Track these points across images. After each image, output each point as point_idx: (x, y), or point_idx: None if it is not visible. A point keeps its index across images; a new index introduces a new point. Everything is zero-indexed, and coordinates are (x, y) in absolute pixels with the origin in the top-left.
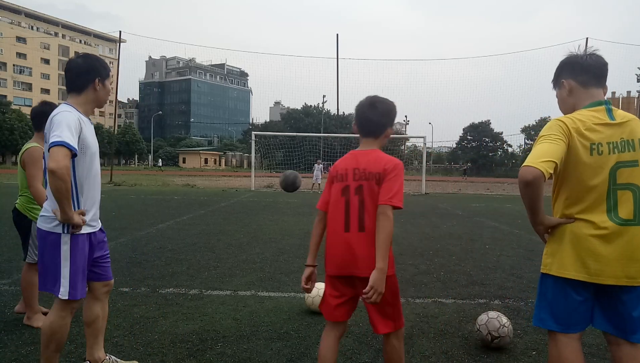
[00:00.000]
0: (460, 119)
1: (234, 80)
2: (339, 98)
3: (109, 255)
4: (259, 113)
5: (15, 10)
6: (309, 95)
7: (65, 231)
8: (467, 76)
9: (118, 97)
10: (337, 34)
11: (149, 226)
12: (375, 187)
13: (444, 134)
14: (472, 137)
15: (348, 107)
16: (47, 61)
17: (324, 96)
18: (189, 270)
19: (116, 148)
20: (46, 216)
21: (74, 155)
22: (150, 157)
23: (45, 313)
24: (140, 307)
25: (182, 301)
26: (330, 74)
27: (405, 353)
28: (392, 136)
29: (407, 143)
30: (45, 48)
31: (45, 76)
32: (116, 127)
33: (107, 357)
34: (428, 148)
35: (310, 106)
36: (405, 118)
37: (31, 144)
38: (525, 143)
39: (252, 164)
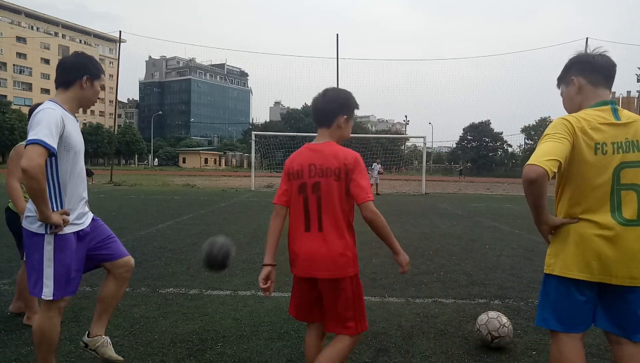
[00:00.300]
0: (460, 119)
1: (234, 80)
2: None
3: (113, 236)
4: (259, 113)
5: (15, 10)
6: (309, 95)
7: (48, 232)
8: (467, 76)
9: (118, 97)
10: (337, 34)
11: (149, 226)
12: (334, 183)
13: (444, 134)
14: (472, 137)
15: None
16: (47, 61)
17: None
18: (189, 270)
19: (116, 148)
20: (30, 217)
21: (51, 154)
22: (150, 157)
23: None
24: (140, 307)
25: (182, 301)
26: (330, 74)
27: (405, 353)
28: (355, 134)
29: (407, 143)
30: (45, 48)
31: (46, 76)
32: (116, 127)
33: (102, 337)
34: (428, 148)
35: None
36: (405, 118)
37: (22, 142)
38: (525, 142)
39: (252, 164)
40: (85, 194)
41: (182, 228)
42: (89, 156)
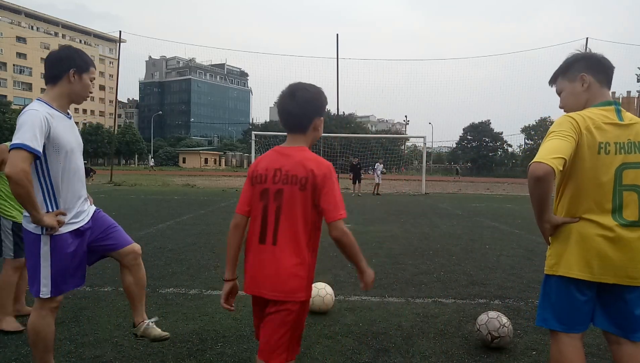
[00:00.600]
0: (460, 119)
1: (234, 80)
2: (339, 98)
3: (115, 226)
4: (259, 113)
5: (15, 10)
6: None
7: (44, 232)
8: (467, 75)
9: (118, 97)
10: (337, 34)
11: (149, 226)
12: (298, 193)
13: (444, 134)
14: (472, 137)
15: (348, 108)
16: None
17: None
18: (189, 270)
19: (116, 148)
20: (28, 216)
21: (36, 157)
22: (150, 157)
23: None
24: None
25: (182, 301)
26: (330, 74)
27: (405, 353)
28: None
29: (407, 143)
30: (45, 48)
31: None
32: (116, 127)
33: (144, 322)
34: (428, 148)
35: None
36: (405, 118)
37: (7, 142)
38: (525, 142)
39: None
40: (83, 193)
41: (182, 228)
42: (89, 156)
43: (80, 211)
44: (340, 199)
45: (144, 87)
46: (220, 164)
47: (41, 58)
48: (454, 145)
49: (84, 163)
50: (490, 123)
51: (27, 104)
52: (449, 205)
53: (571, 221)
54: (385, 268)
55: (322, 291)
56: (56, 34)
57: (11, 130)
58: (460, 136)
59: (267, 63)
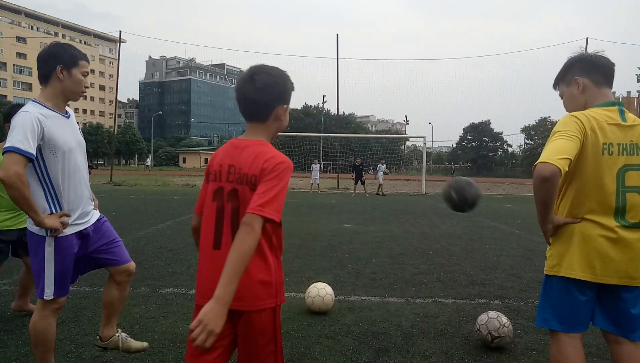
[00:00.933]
0: (460, 119)
1: (234, 80)
2: (339, 98)
3: (117, 240)
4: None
5: (15, 10)
6: (309, 95)
7: (48, 234)
8: (467, 75)
9: (118, 97)
10: (337, 34)
11: (149, 226)
12: (249, 194)
13: (444, 134)
14: (472, 137)
15: (348, 108)
16: None
17: (324, 96)
18: (189, 270)
19: (116, 148)
20: None
21: (29, 160)
22: (151, 157)
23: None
24: (140, 307)
25: (182, 301)
26: (330, 74)
27: (405, 353)
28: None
29: (407, 143)
30: None
31: None
32: (116, 127)
33: (117, 334)
34: (428, 148)
35: (310, 106)
36: (405, 118)
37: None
38: (525, 143)
39: None
40: (87, 192)
41: (182, 228)
42: (89, 156)
43: (85, 211)
44: (274, 196)
45: (144, 87)
46: None
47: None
48: (454, 145)
49: None
50: (490, 123)
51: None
52: None
53: (573, 221)
54: (385, 268)
55: (322, 291)
56: (56, 34)
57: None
58: (460, 136)
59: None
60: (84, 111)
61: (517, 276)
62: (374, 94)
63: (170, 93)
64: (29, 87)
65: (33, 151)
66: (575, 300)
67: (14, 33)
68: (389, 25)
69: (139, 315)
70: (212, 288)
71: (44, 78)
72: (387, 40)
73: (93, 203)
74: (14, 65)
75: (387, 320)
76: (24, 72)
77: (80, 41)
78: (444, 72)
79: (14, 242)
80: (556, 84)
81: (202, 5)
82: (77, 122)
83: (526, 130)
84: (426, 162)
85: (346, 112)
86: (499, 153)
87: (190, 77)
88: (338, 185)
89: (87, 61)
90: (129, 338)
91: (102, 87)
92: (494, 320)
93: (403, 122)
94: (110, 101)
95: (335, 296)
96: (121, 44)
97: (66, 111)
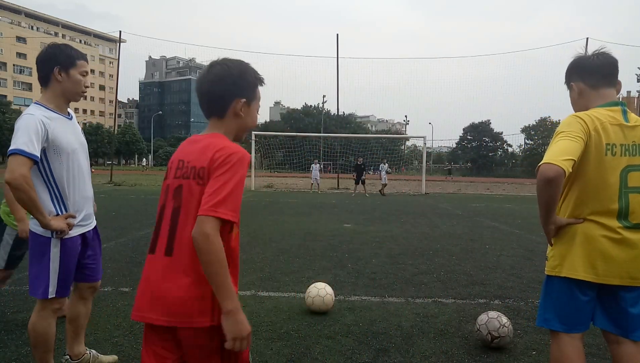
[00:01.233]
0: (460, 119)
1: None
2: (339, 98)
3: (99, 255)
4: (259, 113)
5: (15, 10)
6: (309, 95)
7: (54, 236)
8: (467, 75)
9: (118, 97)
10: (337, 34)
11: (149, 226)
12: (195, 189)
13: (444, 134)
14: (472, 137)
15: (348, 108)
16: None
17: (324, 96)
18: None
19: (116, 148)
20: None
21: (34, 162)
22: (151, 157)
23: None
24: None
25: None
26: (330, 74)
27: (405, 353)
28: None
29: (407, 143)
30: None
31: None
32: (116, 127)
33: (87, 352)
34: (428, 148)
35: (310, 106)
36: (405, 118)
37: None
38: (525, 143)
39: (252, 164)
40: (90, 193)
41: None
42: (89, 156)
43: (89, 213)
44: (229, 193)
45: (144, 87)
46: None
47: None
48: (454, 145)
49: None
50: (490, 123)
51: (28, 105)
52: (449, 205)
53: (575, 222)
54: (385, 268)
55: (322, 291)
56: (56, 34)
57: (11, 130)
58: (460, 136)
59: (267, 63)
60: (84, 111)
61: (517, 276)
62: (374, 94)
63: (170, 93)
64: (29, 87)
65: (38, 153)
66: (577, 300)
67: (14, 33)
68: (389, 25)
69: None
70: (139, 296)
71: (44, 80)
72: (387, 40)
73: (94, 206)
74: (14, 65)
75: (387, 320)
76: (24, 72)
77: (80, 41)
78: (444, 71)
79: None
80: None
81: (202, 5)
82: (78, 123)
83: (526, 130)
84: (426, 162)
85: (346, 112)
86: (499, 153)
87: (190, 77)
88: (338, 185)
89: (86, 60)
90: (100, 355)
91: (102, 87)
92: (494, 320)
93: (403, 122)
94: (110, 101)
95: (335, 296)
96: (121, 44)
97: (68, 113)
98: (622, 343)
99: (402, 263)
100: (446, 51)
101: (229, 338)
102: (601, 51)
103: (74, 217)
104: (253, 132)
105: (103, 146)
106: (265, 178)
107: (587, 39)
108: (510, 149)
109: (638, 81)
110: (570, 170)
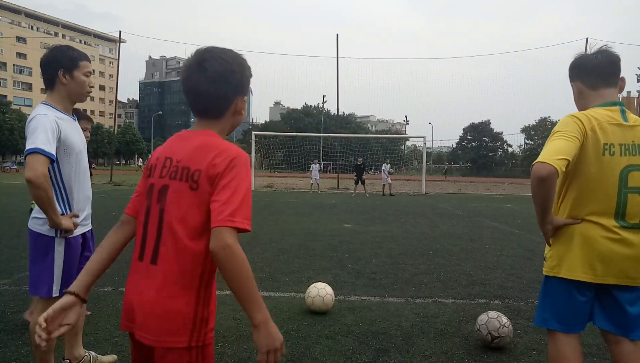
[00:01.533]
0: (460, 119)
1: None
2: (339, 98)
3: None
4: (259, 113)
5: (15, 10)
6: (309, 95)
7: (59, 235)
8: (467, 75)
9: (118, 97)
10: (337, 34)
11: None
12: (187, 193)
13: (444, 134)
14: (472, 137)
15: (348, 108)
16: None
17: (324, 96)
18: None
19: (116, 148)
20: (39, 218)
21: (52, 161)
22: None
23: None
24: None
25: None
26: (330, 74)
27: (405, 353)
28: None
29: (407, 143)
30: (45, 48)
31: None
32: (116, 127)
33: (87, 354)
34: (428, 148)
35: (310, 106)
36: (405, 118)
37: None
38: (525, 143)
39: (252, 164)
40: (90, 193)
41: None
42: (89, 156)
43: (89, 213)
44: (242, 201)
45: (144, 87)
46: None
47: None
48: (454, 145)
49: None
50: (490, 123)
51: (28, 105)
52: (449, 205)
53: (573, 222)
54: (385, 268)
55: (322, 291)
56: (56, 34)
57: (11, 130)
58: (460, 136)
59: (267, 63)
60: (84, 110)
61: (517, 276)
62: (374, 94)
63: (170, 93)
64: (29, 87)
65: (54, 153)
66: (575, 300)
67: (14, 33)
68: (389, 25)
69: None
70: (129, 306)
71: (49, 83)
72: (387, 40)
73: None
74: (14, 65)
75: (387, 320)
76: (24, 72)
77: (80, 41)
78: (444, 71)
79: None
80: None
81: (202, 5)
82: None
83: (526, 130)
84: (426, 162)
85: (346, 112)
86: (499, 153)
87: None
88: (338, 185)
89: (88, 60)
90: (99, 356)
91: (102, 87)
92: (494, 320)
93: (403, 122)
94: (110, 101)
95: (335, 296)
96: (121, 44)
97: (72, 114)
98: (621, 342)
99: (402, 263)
100: (446, 51)
101: (262, 351)
102: (603, 48)
103: (77, 216)
104: (253, 132)
105: (103, 146)
106: (265, 178)
107: (587, 39)
108: (510, 149)
109: (638, 81)
110: (564, 169)
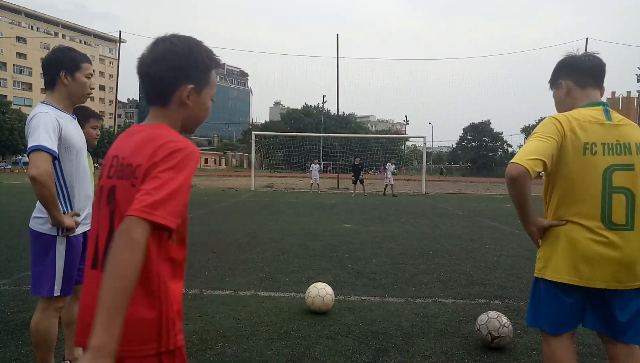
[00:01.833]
0: (460, 119)
1: (234, 80)
2: (339, 98)
3: None
4: (259, 113)
5: (15, 10)
6: (309, 95)
7: (60, 234)
8: (467, 75)
9: (118, 97)
10: (337, 34)
11: None
12: (130, 191)
13: (444, 134)
14: (472, 137)
15: (348, 108)
16: None
17: (324, 96)
18: (189, 270)
19: None
20: (40, 218)
21: (54, 158)
22: None
23: None
24: None
25: (182, 301)
26: (330, 74)
27: (405, 353)
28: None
29: (407, 143)
30: (45, 48)
31: None
32: (116, 127)
33: None
34: (428, 148)
35: (310, 106)
36: (405, 118)
37: None
38: (525, 143)
39: (252, 164)
40: (90, 192)
41: None
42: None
43: (89, 212)
44: (170, 194)
45: None
46: (220, 164)
47: (41, 58)
48: (454, 145)
49: None
50: (490, 123)
51: (28, 105)
52: (449, 205)
53: (558, 224)
54: (385, 268)
55: (322, 291)
56: (56, 34)
57: (11, 130)
58: (460, 136)
59: (267, 63)
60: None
61: (517, 276)
62: (374, 94)
63: None
64: (29, 87)
65: (56, 150)
66: (562, 302)
67: (14, 33)
68: (389, 25)
69: None
70: (83, 317)
71: (50, 83)
72: (387, 40)
73: None
74: (14, 65)
75: (387, 320)
76: (24, 72)
77: (80, 41)
78: (444, 72)
79: None
80: (550, 87)
81: (202, 5)
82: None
83: (526, 130)
84: (426, 162)
85: (346, 112)
86: (499, 153)
87: None
88: (338, 185)
89: (90, 62)
90: None
91: (102, 87)
92: (494, 320)
93: (403, 122)
94: (110, 101)
95: (335, 296)
96: (121, 44)
97: (73, 113)
98: (615, 344)
99: (402, 263)
100: (446, 50)
101: None
102: (591, 52)
103: (78, 215)
104: (253, 132)
105: (103, 146)
106: (265, 178)
107: (587, 39)
108: (510, 149)
109: (638, 81)
110: (538, 170)
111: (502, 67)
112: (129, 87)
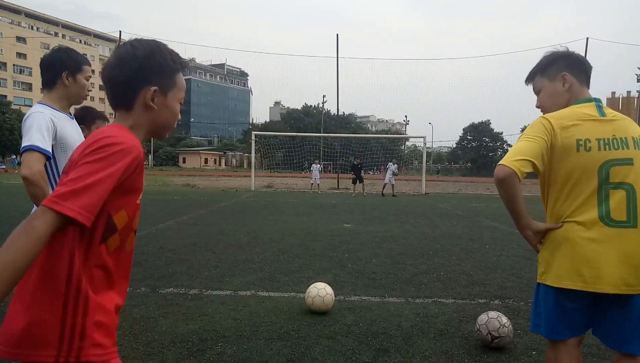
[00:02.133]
0: (460, 119)
1: (234, 80)
2: (339, 98)
3: None
4: (259, 113)
5: (15, 10)
6: (309, 95)
7: None
8: (467, 75)
9: None
10: (337, 34)
11: (149, 226)
12: None
13: (444, 134)
14: (472, 137)
15: (348, 108)
16: None
17: (324, 96)
18: (189, 270)
19: None
20: None
21: (48, 158)
22: (151, 157)
23: None
24: (140, 307)
25: (182, 301)
26: (330, 74)
27: (405, 353)
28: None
29: (407, 143)
30: (45, 48)
31: None
32: None
33: None
34: (428, 148)
35: (310, 106)
36: (405, 118)
37: None
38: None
39: (252, 164)
40: None
41: (182, 228)
42: None
43: None
44: (85, 187)
45: None
46: (220, 164)
47: (41, 58)
48: (454, 145)
49: None
50: (490, 123)
51: (28, 105)
52: (449, 205)
53: (555, 227)
54: (385, 268)
55: (322, 291)
56: (56, 34)
57: (11, 130)
58: (460, 136)
59: (267, 63)
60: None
61: (517, 276)
62: (374, 94)
63: None
64: (29, 87)
65: (50, 150)
66: (564, 308)
67: (14, 33)
68: (389, 25)
69: (139, 315)
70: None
71: (49, 83)
72: (387, 40)
73: None
74: (14, 65)
75: (387, 320)
76: (24, 72)
77: (80, 41)
78: (444, 72)
79: None
80: (532, 78)
81: (202, 5)
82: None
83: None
84: (426, 162)
85: (346, 112)
86: (499, 153)
87: (190, 77)
88: (338, 185)
89: (90, 64)
90: None
91: (102, 87)
92: (494, 320)
93: (403, 122)
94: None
95: (335, 296)
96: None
97: (70, 113)
98: (621, 355)
99: (402, 263)
100: (446, 50)
101: None
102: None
103: None
104: (253, 132)
105: None
106: (265, 178)
107: (587, 38)
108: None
109: (638, 81)
110: (526, 170)
111: (502, 67)
112: None
